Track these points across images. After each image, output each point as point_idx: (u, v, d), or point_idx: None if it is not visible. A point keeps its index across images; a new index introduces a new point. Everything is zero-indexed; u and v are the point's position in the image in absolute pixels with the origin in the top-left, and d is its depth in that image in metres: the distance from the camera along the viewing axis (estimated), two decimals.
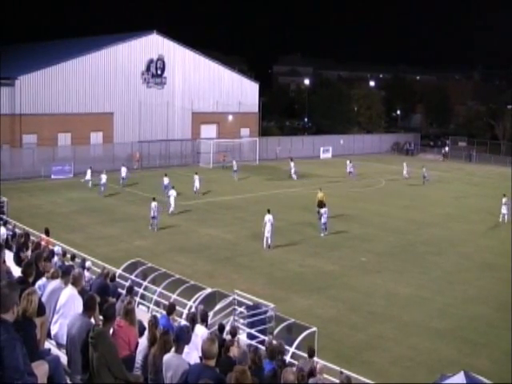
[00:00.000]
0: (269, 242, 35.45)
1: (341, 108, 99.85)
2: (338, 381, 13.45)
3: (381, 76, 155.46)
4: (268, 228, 35.43)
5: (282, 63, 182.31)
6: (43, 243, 21.01)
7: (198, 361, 10.02)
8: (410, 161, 74.49)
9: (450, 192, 58.10)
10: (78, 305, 10.22)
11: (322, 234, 38.60)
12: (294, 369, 11.48)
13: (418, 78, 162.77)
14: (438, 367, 19.46)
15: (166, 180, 49.51)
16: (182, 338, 9.07)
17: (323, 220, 38.63)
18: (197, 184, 50.27)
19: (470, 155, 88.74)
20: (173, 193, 43.35)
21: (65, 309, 10.15)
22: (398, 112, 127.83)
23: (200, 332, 12.49)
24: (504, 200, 44.79)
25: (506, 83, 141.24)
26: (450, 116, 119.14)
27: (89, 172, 52.72)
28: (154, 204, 38.67)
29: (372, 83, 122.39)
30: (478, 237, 40.55)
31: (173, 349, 8.97)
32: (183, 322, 13.58)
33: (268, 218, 35.64)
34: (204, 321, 13.51)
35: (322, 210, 38.91)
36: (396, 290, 29.05)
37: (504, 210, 44.50)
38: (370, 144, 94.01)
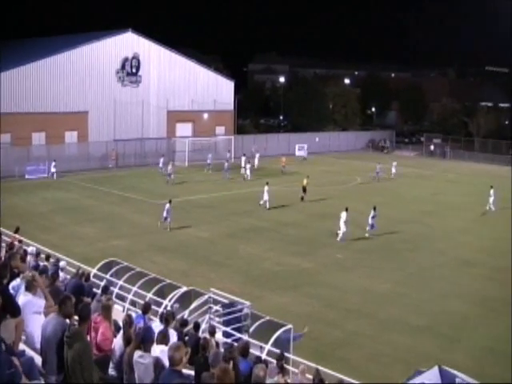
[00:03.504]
0: (340, 235, 37.49)
1: (316, 106, 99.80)
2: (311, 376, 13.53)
3: (356, 73, 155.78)
4: (340, 223, 37.47)
5: (257, 61, 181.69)
6: (16, 243, 20.79)
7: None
8: (385, 158, 74.92)
9: (426, 189, 58.51)
10: (34, 310, 10.09)
11: (367, 234, 38.99)
12: (265, 365, 11.53)
13: (392, 75, 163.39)
14: (414, 363, 19.52)
15: (226, 165, 59.75)
16: (147, 337, 9.14)
17: (370, 221, 38.91)
18: (266, 197, 45.49)
19: (445, 152, 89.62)
20: (266, 188, 45.70)
21: (25, 319, 9.95)
22: (373, 109, 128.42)
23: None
24: (491, 191, 47.46)
25: (480, 80, 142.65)
26: (424, 113, 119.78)
27: (53, 164, 57.25)
28: (167, 206, 38.64)
29: (347, 81, 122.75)
30: (454, 233, 40.86)
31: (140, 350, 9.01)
32: (157, 322, 13.56)
33: (342, 214, 37.76)
34: (173, 320, 13.61)
35: (372, 213, 39.09)
36: (372, 287, 29.21)
37: (491, 200, 47.40)
38: (346, 141, 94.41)
